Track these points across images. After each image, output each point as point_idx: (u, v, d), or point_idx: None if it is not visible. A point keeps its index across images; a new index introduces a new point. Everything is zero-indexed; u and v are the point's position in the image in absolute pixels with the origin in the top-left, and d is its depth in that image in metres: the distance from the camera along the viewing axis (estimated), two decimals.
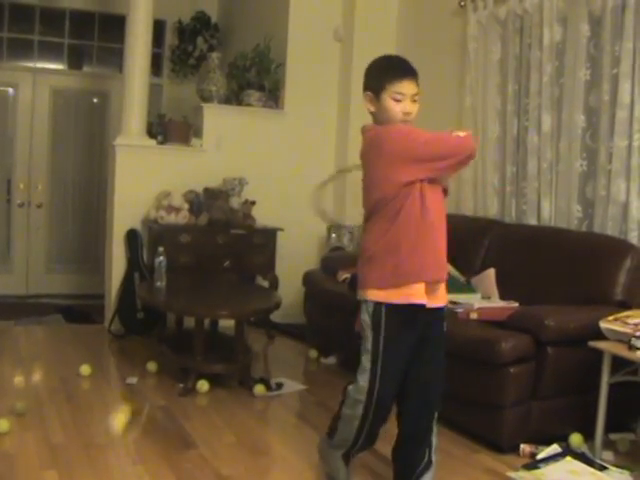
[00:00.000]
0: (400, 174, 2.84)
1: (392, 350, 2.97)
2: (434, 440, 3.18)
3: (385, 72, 2.93)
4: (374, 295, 2.96)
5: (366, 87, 2.99)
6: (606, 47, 4.53)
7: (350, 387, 3.08)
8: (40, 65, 7.91)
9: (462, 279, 5.04)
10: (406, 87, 2.89)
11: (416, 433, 3.15)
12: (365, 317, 2.99)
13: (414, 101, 2.92)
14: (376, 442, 3.18)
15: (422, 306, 2.94)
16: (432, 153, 2.86)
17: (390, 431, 3.19)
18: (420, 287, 2.93)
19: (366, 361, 2.98)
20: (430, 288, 2.97)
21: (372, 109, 2.99)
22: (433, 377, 3.11)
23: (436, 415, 3.18)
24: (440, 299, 3.06)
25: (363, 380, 2.98)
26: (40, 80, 7.80)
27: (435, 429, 3.19)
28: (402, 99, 2.89)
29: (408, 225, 2.90)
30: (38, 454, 3.57)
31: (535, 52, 5.06)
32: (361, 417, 3.02)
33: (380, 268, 2.95)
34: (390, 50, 6.66)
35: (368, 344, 2.98)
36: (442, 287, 3.06)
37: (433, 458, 3.18)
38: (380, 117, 2.97)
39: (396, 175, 2.85)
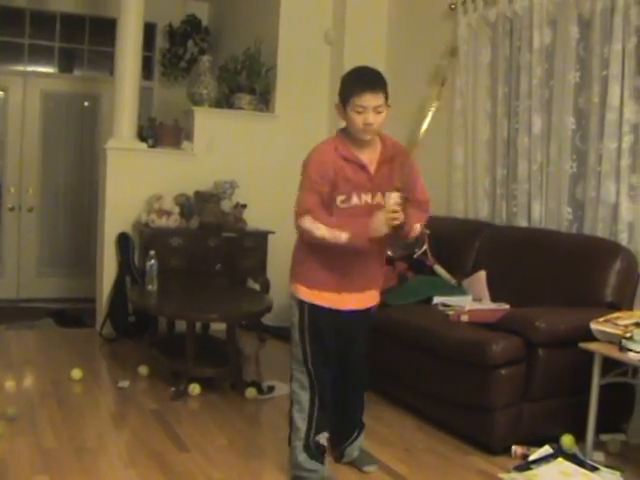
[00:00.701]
0: None
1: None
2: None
3: (350, 86, 3.14)
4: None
5: (338, 98, 3.20)
6: (595, 49, 4.55)
7: (292, 364, 3.51)
8: (30, 68, 7.90)
9: (453, 281, 5.05)
10: (367, 100, 3.08)
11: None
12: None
13: (378, 112, 3.11)
14: (330, 426, 3.48)
15: None
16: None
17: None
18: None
19: (295, 334, 3.49)
20: None
21: (341, 119, 3.23)
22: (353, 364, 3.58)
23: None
24: None
25: (298, 352, 3.46)
26: (31, 83, 7.78)
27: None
28: (363, 111, 3.09)
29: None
30: (29, 459, 3.56)
31: (525, 54, 5.08)
32: (308, 390, 3.40)
33: None
34: (380, 53, 6.72)
35: None
36: None
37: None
38: (348, 127, 3.20)
39: None
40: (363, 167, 3.21)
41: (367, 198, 3.23)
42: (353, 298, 3.39)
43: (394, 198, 3.10)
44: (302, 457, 3.39)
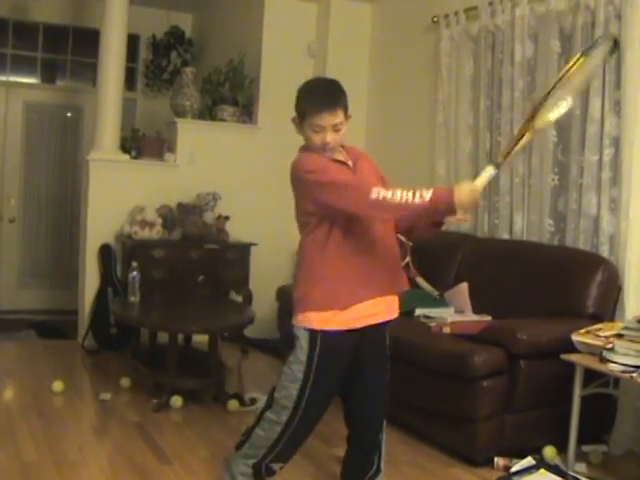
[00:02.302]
0: (307, 204, 2.93)
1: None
2: (383, 448, 3.18)
3: (306, 103, 2.91)
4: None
5: (295, 110, 2.97)
6: None
7: (276, 393, 2.98)
8: (13, 79, 7.87)
9: (435, 293, 5.06)
10: (325, 120, 2.84)
11: (364, 439, 3.14)
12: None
13: (336, 130, 2.87)
14: (291, 459, 3.11)
15: None
16: (331, 203, 2.84)
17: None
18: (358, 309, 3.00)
19: (298, 371, 2.91)
20: None
21: (298, 133, 2.99)
22: (376, 384, 3.13)
23: (384, 422, 3.16)
24: None
25: (294, 389, 2.92)
26: (13, 94, 7.76)
27: (384, 437, 3.18)
28: (321, 131, 2.86)
29: (331, 254, 2.99)
30: (9, 472, 3.53)
31: (507, 68, 5.11)
32: (284, 424, 2.95)
33: None
34: (363, 66, 6.75)
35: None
36: None
37: (382, 466, 3.18)
38: (305, 142, 2.97)
39: (305, 204, 2.94)
40: (346, 164, 2.97)
41: None
42: (386, 305, 3.05)
43: (490, 173, 2.85)
44: (245, 471, 3.08)
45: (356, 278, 2.92)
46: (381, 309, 3.01)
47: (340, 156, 2.98)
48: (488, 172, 2.84)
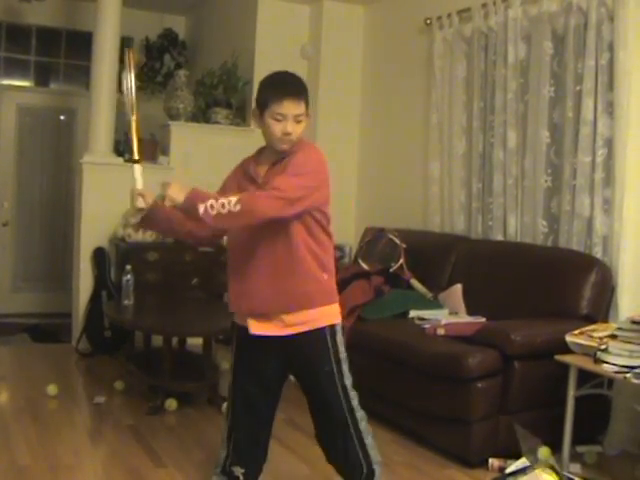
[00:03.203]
0: None
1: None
2: (371, 452, 2.97)
3: (268, 91, 2.84)
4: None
5: (255, 104, 2.91)
6: (569, 65, 4.60)
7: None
8: (6, 82, 7.85)
9: (429, 295, 5.07)
10: (286, 108, 2.77)
11: (334, 452, 3.01)
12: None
13: (298, 122, 2.81)
14: (255, 466, 3.09)
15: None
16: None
17: None
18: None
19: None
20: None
21: (258, 126, 2.92)
22: (321, 404, 2.97)
23: (356, 428, 2.94)
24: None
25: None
26: (6, 97, 7.73)
27: (368, 441, 2.97)
28: (282, 120, 2.79)
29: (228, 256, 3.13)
30: (4, 476, 3.52)
31: (500, 69, 5.12)
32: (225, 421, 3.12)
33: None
34: (356, 68, 6.74)
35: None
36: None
37: (376, 468, 2.98)
38: (265, 136, 2.89)
39: None
40: (253, 180, 2.94)
41: None
42: None
43: (140, 170, 3.02)
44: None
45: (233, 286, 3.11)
46: None
47: (270, 163, 2.92)
48: (138, 170, 3.07)
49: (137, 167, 3.02)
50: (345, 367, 2.92)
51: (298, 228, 2.82)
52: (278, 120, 2.79)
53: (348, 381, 2.92)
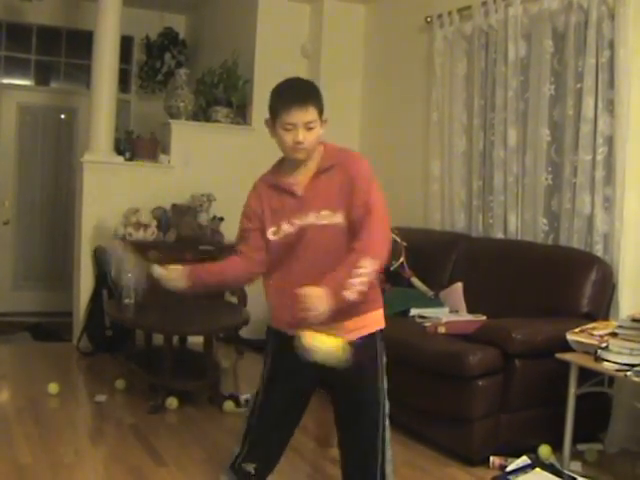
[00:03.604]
0: None
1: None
2: (388, 468, 2.91)
3: (277, 101, 2.76)
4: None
5: (269, 113, 2.82)
6: (570, 62, 4.60)
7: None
8: (6, 81, 7.86)
9: (430, 293, 5.07)
10: (295, 117, 2.68)
11: (355, 458, 2.95)
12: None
13: (309, 129, 2.69)
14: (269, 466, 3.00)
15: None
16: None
17: None
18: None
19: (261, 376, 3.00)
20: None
21: (272, 136, 2.83)
22: (358, 408, 2.88)
23: (383, 438, 2.88)
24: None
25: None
26: (6, 96, 7.74)
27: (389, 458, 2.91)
28: (292, 129, 2.69)
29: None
30: (5, 475, 3.52)
31: (500, 67, 5.12)
32: (247, 420, 2.98)
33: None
34: (356, 66, 6.74)
35: None
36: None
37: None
38: (279, 146, 2.81)
39: None
40: (290, 192, 2.81)
41: (297, 221, 2.78)
42: None
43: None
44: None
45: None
46: None
47: (300, 174, 2.81)
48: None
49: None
50: (384, 372, 2.88)
51: (348, 235, 2.74)
52: (288, 130, 2.70)
53: (385, 386, 2.87)
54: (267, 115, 2.80)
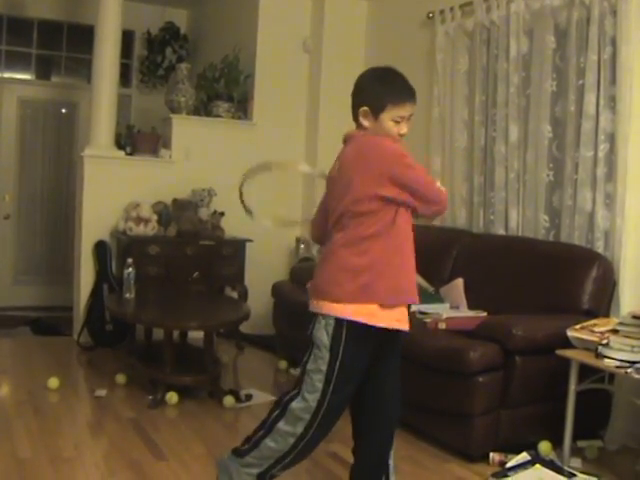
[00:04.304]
0: (384, 189, 2.75)
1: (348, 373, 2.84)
2: (391, 463, 3.04)
3: (389, 92, 2.82)
4: (339, 310, 2.79)
5: (363, 101, 2.85)
6: (571, 59, 4.59)
7: (294, 403, 2.84)
8: (7, 75, 7.86)
9: (431, 289, 5.06)
10: (408, 110, 2.84)
11: (372, 455, 3.03)
12: (322, 335, 2.82)
13: (409, 121, 2.87)
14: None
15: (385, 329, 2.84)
16: (420, 190, 2.80)
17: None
18: (403, 309, 2.91)
19: (318, 381, 2.80)
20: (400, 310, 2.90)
21: (366, 124, 2.86)
22: (389, 395, 3.02)
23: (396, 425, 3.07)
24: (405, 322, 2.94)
25: (313, 400, 2.80)
26: (7, 90, 7.74)
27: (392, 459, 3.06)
28: (401, 121, 2.83)
29: (396, 243, 2.83)
30: (5, 469, 3.52)
31: (502, 63, 5.11)
32: (299, 436, 2.84)
33: (368, 281, 2.79)
34: (358, 61, 6.72)
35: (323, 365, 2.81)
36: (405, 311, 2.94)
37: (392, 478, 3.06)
38: (379, 132, 2.85)
39: (381, 189, 2.75)
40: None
41: None
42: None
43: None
44: None
45: (409, 274, 2.91)
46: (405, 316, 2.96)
47: None
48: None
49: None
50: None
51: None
52: (397, 122, 2.82)
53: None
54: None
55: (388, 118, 2.81)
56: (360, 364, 2.86)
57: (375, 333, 2.81)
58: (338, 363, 2.78)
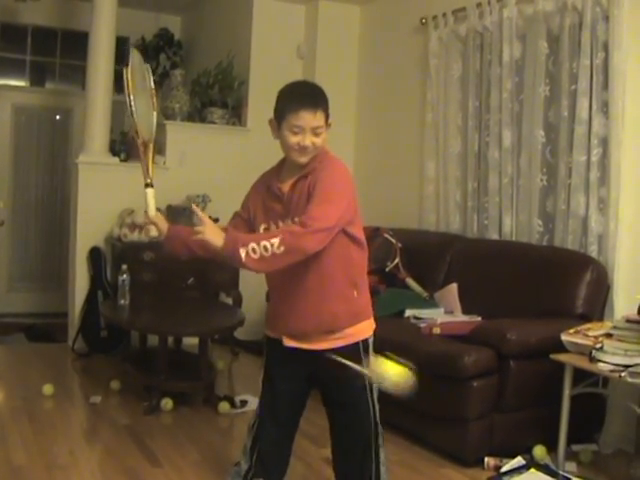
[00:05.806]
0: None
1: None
2: (382, 469, 2.96)
3: (286, 102, 2.74)
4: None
5: (273, 114, 2.81)
6: (564, 64, 4.61)
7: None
8: (2, 82, 7.84)
9: (425, 294, 5.07)
10: (303, 120, 2.66)
11: (350, 471, 2.99)
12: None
13: (316, 134, 2.70)
14: (277, 477, 3.04)
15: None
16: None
17: None
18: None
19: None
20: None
21: (274, 136, 2.81)
22: (349, 420, 2.92)
23: (376, 447, 2.93)
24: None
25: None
26: (1, 97, 7.72)
27: (382, 458, 2.96)
28: (300, 132, 2.68)
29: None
30: (0, 475, 3.52)
31: (495, 68, 5.13)
32: (250, 433, 3.03)
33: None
34: (351, 67, 6.75)
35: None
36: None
37: None
38: (282, 148, 2.79)
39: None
40: (277, 195, 2.84)
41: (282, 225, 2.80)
42: None
43: (152, 194, 3.02)
44: None
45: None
46: None
47: (294, 177, 2.80)
48: (151, 195, 3.03)
49: (150, 192, 3.00)
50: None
51: (327, 248, 2.69)
52: (295, 132, 2.69)
53: (375, 395, 2.88)
54: (271, 115, 2.81)
55: (285, 128, 2.71)
56: (275, 370, 3.04)
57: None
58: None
